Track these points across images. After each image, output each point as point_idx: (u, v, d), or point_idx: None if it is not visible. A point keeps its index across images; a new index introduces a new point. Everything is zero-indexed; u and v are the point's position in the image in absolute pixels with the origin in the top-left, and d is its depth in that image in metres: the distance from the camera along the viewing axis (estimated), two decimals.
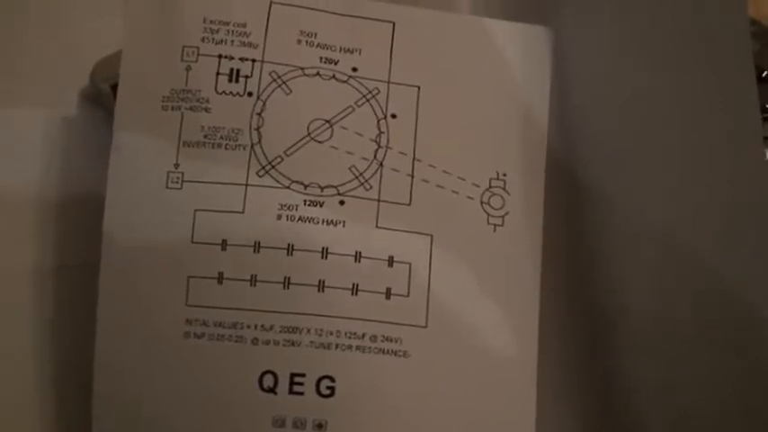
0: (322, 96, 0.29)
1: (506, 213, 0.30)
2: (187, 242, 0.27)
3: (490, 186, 0.30)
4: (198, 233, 0.28)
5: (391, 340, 0.28)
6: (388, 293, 0.28)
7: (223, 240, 0.28)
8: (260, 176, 0.28)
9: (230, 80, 0.29)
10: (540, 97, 0.31)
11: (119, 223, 0.28)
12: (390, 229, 0.28)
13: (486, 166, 0.30)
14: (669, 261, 0.28)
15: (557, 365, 0.30)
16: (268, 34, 0.29)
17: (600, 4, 0.31)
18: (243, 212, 0.28)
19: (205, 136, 0.28)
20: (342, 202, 0.28)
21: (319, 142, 0.29)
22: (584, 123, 0.31)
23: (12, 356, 0.29)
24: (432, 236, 0.29)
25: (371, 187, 0.29)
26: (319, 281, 0.28)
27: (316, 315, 0.27)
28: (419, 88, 0.30)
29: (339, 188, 0.28)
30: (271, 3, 0.29)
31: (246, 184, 0.28)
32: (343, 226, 0.28)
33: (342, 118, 0.29)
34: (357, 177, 0.29)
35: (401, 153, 0.29)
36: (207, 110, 0.28)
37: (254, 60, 0.29)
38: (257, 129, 0.28)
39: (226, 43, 0.29)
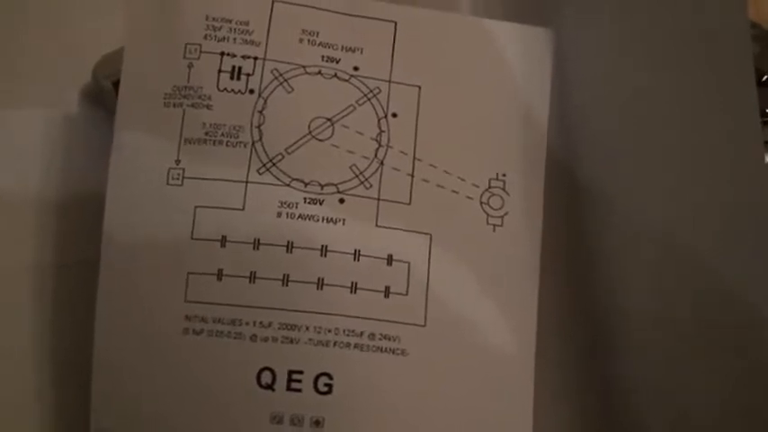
0: (323, 95, 0.29)
1: (506, 214, 0.30)
2: (187, 238, 0.28)
3: (490, 186, 0.30)
4: (198, 230, 0.28)
5: (390, 338, 0.28)
6: (386, 292, 0.28)
7: (223, 237, 0.28)
8: (260, 174, 0.28)
9: (232, 78, 0.29)
10: (541, 98, 0.31)
11: (119, 219, 0.28)
12: (390, 228, 0.29)
13: (486, 167, 0.30)
14: (669, 261, 0.28)
15: (556, 365, 0.30)
16: (270, 32, 0.29)
17: (600, 6, 0.31)
18: (243, 209, 0.28)
19: (206, 133, 0.28)
20: (342, 201, 0.28)
21: (320, 140, 0.29)
22: (584, 124, 0.31)
23: (11, 355, 0.29)
24: (431, 235, 0.29)
25: (371, 186, 0.29)
26: (318, 278, 0.28)
27: (314, 312, 0.27)
28: (420, 88, 0.30)
29: (339, 186, 0.29)
30: (273, 1, 0.30)
31: (247, 182, 0.28)
32: (343, 224, 0.28)
33: (343, 117, 0.29)
34: (357, 176, 0.29)
35: (401, 152, 0.29)
36: (208, 107, 0.28)
37: (255, 58, 0.29)
38: (258, 126, 0.29)
39: (228, 41, 0.29)
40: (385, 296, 0.28)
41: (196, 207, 0.28)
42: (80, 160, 0.31)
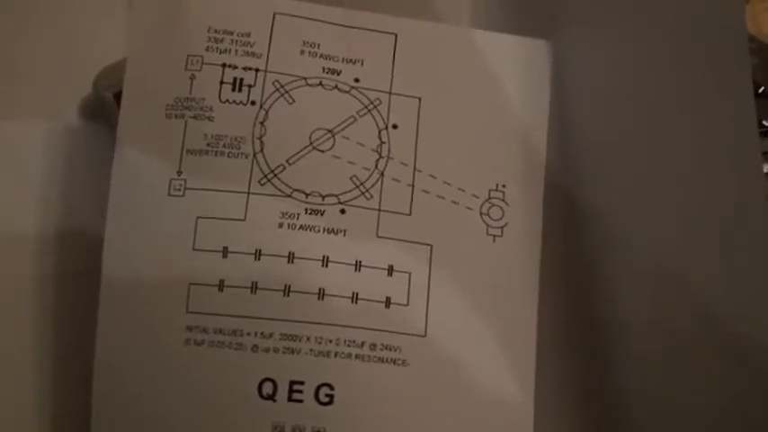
0: (324, 106, 0.29)
1: (505, 224, 0.30)
2: (188, 249, 0.28)
3: (489, 197, 0.30)
4: (199, 241, 0.28)
5: (390, 349, 0.28)
6: (387, 302, 0.28)
7: (224, 248, 0.28)
8: (262, 185, 0.28)
9: (234, 89, 0.29)
10: (540, 110, 0.31)
11: (120, 229, 0.28)
12: (390, 239, 0.29)
13: (486, 178, 0.30)
14: (667, 272, 0.28)
15: (555, 376, 0.30)
16: (272, 44, 0.29)
17: (599, 20, 0.31)
18: (244, 220, 0.28)
19: (208, 144, 0.28)
20: (343, 211, 0.29)
21: (321, 151, 0.29)
22: (582, 136, 0.31)
23: (12, 364, 0.29)
24: (431, 246, 0.29)
25: (372, 197, 0.29)
26: (319, 289, 0.28)
27: (315, 323, 0.27)
28: (420, 99, 0.30)
29: (340, 197, 0.29)
30: (274, 13, 0.30)
31: (248, 192, 0.28)
32: (344, 235, 0.28)
33: (344, 128, 0.29)
34: (358, 187, 0.29)
35: (402, 163, 0.29)
36: (210, 118, 0.29)
37: (257, 70, 0.29)
38: (260, 138, 0.29)
39: (230, 53, 0.29)
40: (386, 306, 0.28)
41: (198, 218, 0.28)
42: (81, 171, 0.31)
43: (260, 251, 0.28)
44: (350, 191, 0.29)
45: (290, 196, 0.28)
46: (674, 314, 0.28)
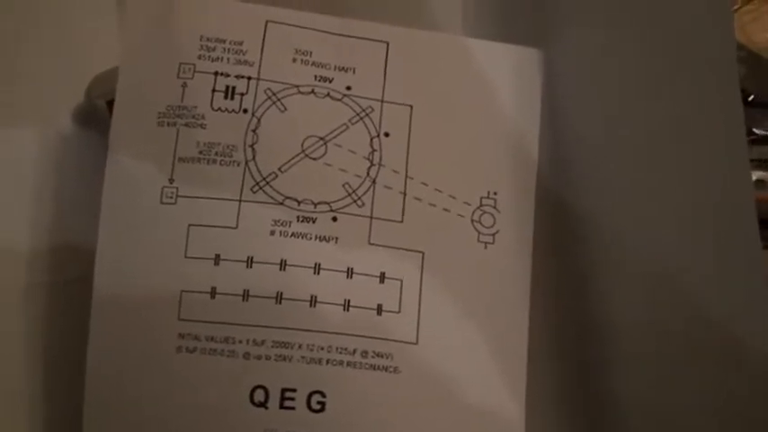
0: (316, 114, 0.29)
1: (497, 231, 0.30)
2: (180, 257, 0.28)
3: (481, 205, 0.30)
4: (191, 248, 0.28)
5: (382, 356, 0.28)
6: (379, 310, 0.28)
7: (216, 255, 0.28)
8: (254, 192, 0.28)
9: (226, 97, 0.29)
10: (531, 117, 0.31)
11: (112, 237, 0.28)
12: (382, 246, 0.29)
13: (478, 185, 0.30)
14: (660, 275, 0.29)
15: (547, 381, 0.30)
16: (264, 52, 0.30)
17: (590, 29, 0.31)
18: (236, 228, 0.28)
19: (200, 152, 0.28)
20: (335, 219, 0.29)
21: (313, 159, 0.29)
22: (574, 144, 0.31)
23: (4, 372, 0.29)
24: (423, 253, 0.29)
25: (364, 204, 0.29)
26: (311, 296, 0.28)
27: (307, 330, 0.27)
28: (412, 107, 0.30)
29: (332, 205, 0.29)
30: (267, 21, 0.30)
31: (240, 200, 0.28)
32: (336, 242, 0.28)
33: (336, 135, 0.29)
34: (350, 194, 0.29)
35: (394, 171, 0.29)
36: (202, 126, 0.29)
37: (249, 78, 0.29)
38: (252, 145, 0.29)
39: (222, 61, 0.29)
40: (377, 314, 0.28)
41: (190, 225, 0.28)
42: (73, 179, 0.31)
43: (252, 259, 0.28)
44: (342, 198, 0.29)
45: (282, 204, 0.28)
46: (667, 317, 0.28)
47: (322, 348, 0.27)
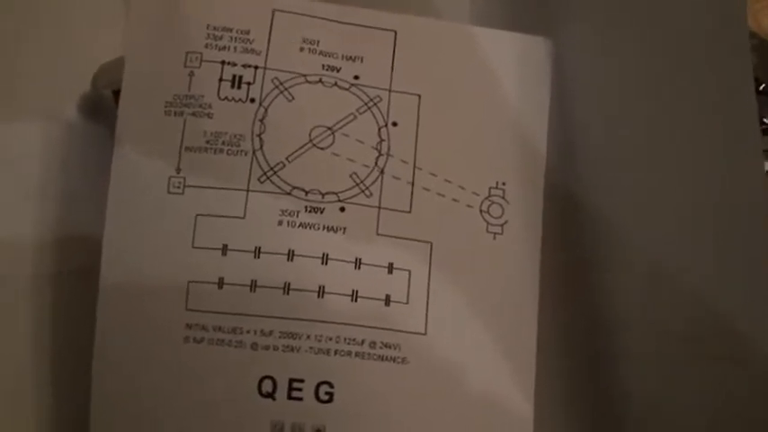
0: (324, 103, 0.29)
1: (505, 222, 0.30)
2: (188, 247, 0.28)
3: (490, 195, 0.30)
4: (199, 238, 0.28)
5: (390, 347, 0.28)
6: (387, 300, 0.28)
7: (224, 245, 0.28)
8: (261, 182, 0.28)
9: (233, 86, 0.29)
10: (540, 107, 0.31)
11: (119, 227, 0.28)
12: (390, 237, 0.29)
13: (486, 175, 0.30)
14: (667, 273, 0.28)
15: (554, 374, 0.30)
16: (271, 41, 0.29)
17: (600, 17, 0.31)
18: (244, 218, 0.28)
19: (207, 141, 0.28)
20: (342, 209, 0.28)
21: (321, 149, 0.29)
22: (582, 135, 0.31)
23: (10, 364, 0.29)
24: (431, 243, 0.29)
25: (372, 194, 0.29)
26: (319, 287, 0.28)
27: (315, 321, 0.27)
28: (420, 97, 0.30)
29: (340, 195, 0.29)
30: (274, 10, 0.30)
31: (248, 190, 0.28)
32: (344, 233, 0.28)
33: (343, 125, 0.29)
34: (358, 184, 0.29)
35: (402, 161, 0.29)
36: (209, 115, 0.28)
37: (256, 67, 0.29)
38: (259, 135, 0.29)
39: (229, 50, 0.29)
40: (385, 304, 0.28)
41: (197, 215, 0.28)
42: (79, 169, 0.31)
43: (259, 249, 0.28)
44: (350, 189, 0.29)
45: (289, 194, 0.28)
46: (672, 315, 0.28)
47: (330, 339, 0.27)
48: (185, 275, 0.27)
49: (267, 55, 0.29)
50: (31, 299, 0.29)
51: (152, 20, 0.29)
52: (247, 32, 0.29)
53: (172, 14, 0.29)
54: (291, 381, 0.27)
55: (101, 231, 0.28)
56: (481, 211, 0.30)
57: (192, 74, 0.29)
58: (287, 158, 0.29)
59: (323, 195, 0.28)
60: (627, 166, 0.30)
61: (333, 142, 0.29)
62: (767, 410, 0.27)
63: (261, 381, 0.27)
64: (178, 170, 0.28)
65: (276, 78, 0.29)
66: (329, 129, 0.29)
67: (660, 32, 0.29)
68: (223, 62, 0.29)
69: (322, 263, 0.28)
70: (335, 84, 0.30)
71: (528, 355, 0.29)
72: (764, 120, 0.34)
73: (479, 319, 0.29)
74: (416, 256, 0.29)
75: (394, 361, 0.28)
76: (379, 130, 0.29)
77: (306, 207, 0.28)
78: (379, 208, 0.29)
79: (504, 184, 0.30)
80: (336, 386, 0.27)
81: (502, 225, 0.30)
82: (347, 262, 0.28)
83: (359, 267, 0.28)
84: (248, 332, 0.27)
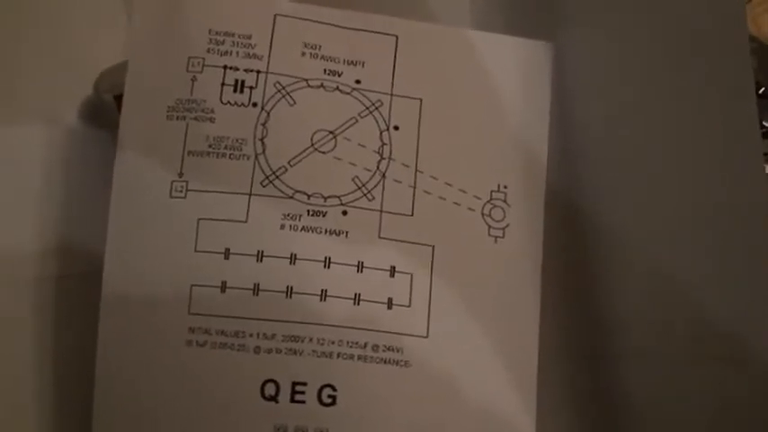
0: (326, 108, 0.29)
1: (507, 225, 0.30)
2: (190, 251, 0.28)
3: (491, 198, 0.30)
4: (201, 242, 0.28)
5: (392, 350, 0.28)
6: (389, 303, 0.28)
7: (226, 249, 0.28)
8: (264, 186, 0.28)
9: (235, 91, 0.29)
10: (541, 111, 0.31)
11: (122, 231, 0.28)
12: (392, 240, 0.29)
13: (488, 179, 0.30)
14: (668, 275, 0.28)
15: (556, 373, 0.30)
16: (273, 46, 0.29)
17: (600, 21, 0.31)
18: (246, 222, 0.28)
19: (210, 146, 0.28)
20: (345, 213, 0.29)
21: (323, 153, 0.29)
22: (583, 138, 0.31)
23: (13, 367, 0.29)
24: (433, 247, 0.29)
25: (374, 198, 0.29)
26: (321, 290, 0.28)
27: (318, 324, 0.27)
28: (421, 101, 0.30)
29: (342, 198, 0.29)
30: (275, 15, 0.30)
31: (250, 194, 0.28)
32: (346, 236, 0.28)
33: (345, 129, 0.29)
34: (360, 188, 0.29)
35: (404, 165, 0.29)
36: (212, 120, 0.29)
37: (258, 71, 0.29)
38: (261, 139, 0.29)
39: (231, 54, 0.29)
40: (388, 308, 0.28)
41: (199, 220, 0.28)
42: (81, 173, 0.31)
43: (262, 253, 0.28)
44: (352, 192, 0.29)
45: (291, 198, 0.28)
46: (673, 316, 0.28)
47: (332, 342, 0.27)
48: (188, 279, 0.27)
49: (269, 59, 0.29)
50: (34, 302, 0.29)
51: (154, 24, 0.29)
52: (249, 37, 0.29)
53: (174, 19, 0.29)
54: (294, 384, 0.27)
55: (103, 235, 0.28)
56: (483, 214, 0.30)
57: (194, 78, 0.29)
58: (289, 162, 0.29)
59: (325, 199, 0.29)
60: (627, 169, 0.30)
61: (335, 146, 0.29)
62: (767, 411, 0.27)
63: (264, 384, 0.27)
64: (180, 174, 0.28)
65: (278, 83, 0.29)
66: (331, 133, 0.29)
67: (660, 37, 0.29)
68: (225, 67, 0.29)
69: (324, 266, 0.28)
70: (337, 88, 0.30)
71: (530, 356, 0.29)
72: (764, 123, 0.34)
73: (481, 322, 0.29)
74: (418, 260, 0.29)
75: (396, 364, 0.28)
76: (381, 133, 0.30)
77: (308, 211, 0.28)
78: (381, 212, 0.29)
79: (505, 187, 0.30)
80: (339, 389, 0.27)
81: (503, 228, 0.30)
82: (349, 265, 0.28)
83: (361, 271, 0.28)
84: (251, 336, 0.27)
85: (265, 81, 0.29)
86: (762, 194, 0.27)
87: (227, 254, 0.28)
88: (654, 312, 0.29)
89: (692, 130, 0.29)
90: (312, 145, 0.29)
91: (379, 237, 0.29)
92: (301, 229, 0.28)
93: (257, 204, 0.28)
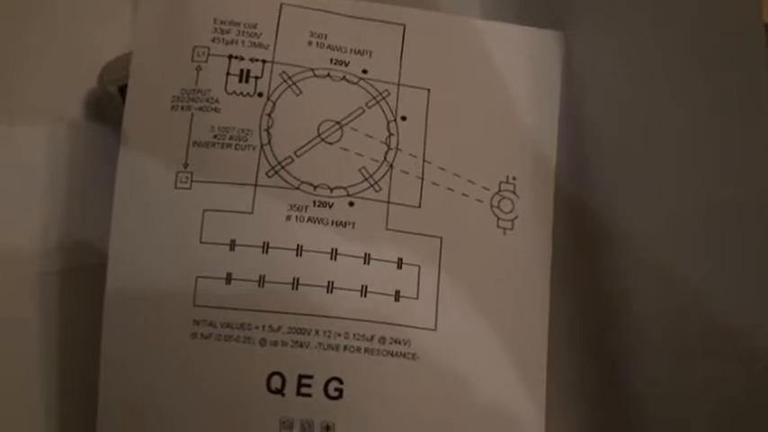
0: (332, 98, 0.29)
1: (516, 217, 0.30)
2: (195, 242, 0.27)
3: (500, 190, 0.30)
4: (206, 233, 0.27)
5: (400, 342, 0.28)
6: (396, 295, 0.28)
7: (232, 241, 0.27)
8: (269, 177, 0.28)
9: (240, 80, 0.29)
10: (551, 101, 0.31)
11: (126, 223, 0.27)
12: (400, 231, 0.28)
13: (496, 170, 0.30)
14: (678, 272, 0.28)
15: (565, 367, 0.30)
16: (279, 35, 0.29)
17: (612, 13, 0.31)
18: (252, 213, 0.28)
19: (215, 136, 0.28)
20: (351, 204, 0.28)
21: (329, 143, 0.29)
22: (593, 132, 0.31)
23: (18, 361, 0.29)
24: (441, 238, 0.29)
25: (381, 189, 0.29)
26: (328, 282, 0.27)
27: (324, 316, 0.27)
28: (429, 91, 0.30)
29: (349, 189, 0.28)
30: (281, 4, 0.30)
31: (256, 185, 0.28)
32: (353, 227, 0.28)
33: (352, 119, 0.29)
34: (367, 179, 0.29)
35: (411, 155, 0.29)
36: (217, 110, 0.28)
37: (264, 61, 0.29)
38: (267, 129, 0.28)
39: (236, 44, 0.29)
40: (395, 300, 0.28)
41: (204, 211, 0.28)
42: (85, 165, 0.31)
43: (268, 244, 0.27)
44: (358, 183, 0.29)
45: (297, 189, 0.28)
46: (682, 312, 0.28)
47: (339, 335, 0.27)
48: (193, 271, 0.27)
49: (275, 49, 0.29)
50: (39, 296, 0.29)
51: (159, 15, 0.29)
52: (255, 26, 0.29)
53: (179, 9, 0.29)
54: (300, 377, 0.27)
55: (108, 227, 0.27)
56: (491, 205, 0.29)
57: (199, 68, 0.29)
58: (295, 153, 0.28)
59: (331, 190, 0.28)
60: (638, 163, 0.30)
61: (341, 137, 0.29)
62: None
63: (270, 377, 0.27)
64: (185, 165, 0.28)
65: (284, 72, 0.29)
66: (337, 123, 0.29)
67: (673, 28, 0.29)
68: (230, 56, 0.29)
69: (331, 258, 0.28)
70: (344, 78, 0.29)
71: (539, 349, 0.29)
72: None
73: (489, 315, 0.29)
74: (426, 252, 0.28)
75: (404, 357, 0.27)
76: (388, 124, 0.29)
77: (314, 202, 0.28)
78: (389, 203, 0.29)
79: (514, 178, 0.30)
80: (346, 382, 0.27)
81: (512, 220, 0.29)
82: (356, 257, 0.28)
83: (368, 262, 0.28)
84: (257, 328, 0.27)
85: (271, 71, 0.29)
86: None
87: (232, 245, 0.27)
88: (663, 308, 0.29)
89: (704, 124, 0.28)
90: (318, 135, 0.29)
91: (387, 228, 0.28)
92: (307, 221, 0.28)
93: (263, 195, 0.28)
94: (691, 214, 0.28)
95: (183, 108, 0.28)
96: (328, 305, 0.27)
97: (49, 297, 0.29)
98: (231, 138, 0.28)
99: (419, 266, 0.28)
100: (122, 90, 0.29)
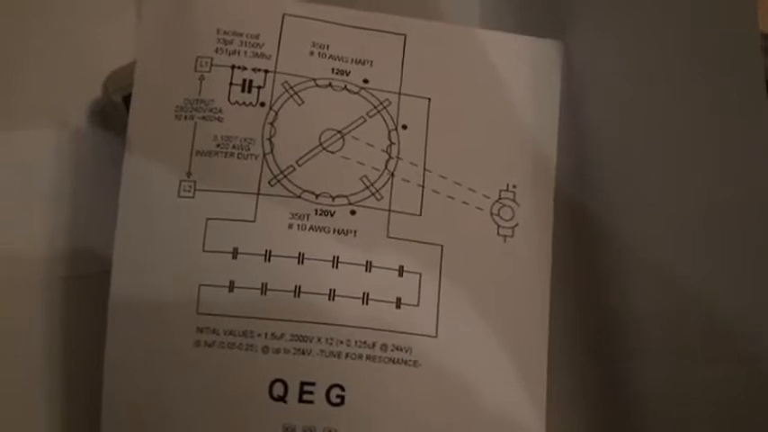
0: (334, 107, 0.29)
1: (516, 225, 0.30)
2: (198, 251, 0.28)
3: (500, 198, 0.30)
4: (209, 242, 0.28)
5: (401, 350, 0.28)
6: (398, 303, 0.28)
7: (234, 249, 0.28)
8: (272, 186, 0.28)
9: (243, 90, 0.29)
10: (550, 110, 0.31)
11: (130, 231, 0.28)
12: (401, 239, 0.29)
13: (497, 178, 0.30)
14: (676, 272, 0.28)
15: (565, 369, 0.30)
16: (281, 45, 0.29)
17: (610, 21, 0.31)
18: (254, 221, 0.28)
19: (218, 145, 0.28)
20: (353, 212, 0.28)
21: (331, 152, 0.29)
22: (593, 138, 0.31)
23: (22, 367, 0.29)
24: (442, 246, 0.29)
25: (382, 197, 0.29)
26: (330, 290, 0.28)
27: (326, 324, 0.27)
28: (430, 100, 0.30)
29: (350, 198, 0.29)
30: (284, 14, 0.30)
31: (258, 194, 0.28)
32: (354, 235, 0.28)
33: (353, 129, 0.29)
34: (368, 187, 0.29)
35: (412, 164, 0.29)
36: (220, 119, 0.29)
37: (266, 71, 0.29)
38: (269, 138, 0.29)
39: (239, 54, 0.29)
40: (396, 307, 0.28)
41: (207, 219, 0.28)
42: (89, 174, 0.31)
43: (270, 252, 0.28)
44: (360, 191, 0.29)
45: (299, 197, 0.28)
46: (683, 314, 0.28)
47: (341, 342, 0.27)
48: (196, 279, 0.27)
49: (277, 59, 0.29)
50: (43, 303, 0.30)
51: (163, 24, 0.29)
52: (257, 36, 0.29)
53: (182, 19, 0.29)
54: (303, 384, 0.27)
55: (111, 235, 0.28)
56: (492, 213, 0.30)
57: (202, 78, 0.29)
58: (297, 162, 0.29)
59: (333, 198, 0.28)
60: (638, 163, 0.30)
61: (343, 146, 0.29)
62: None
63: (272, 384, 0.27)
64: (189, 174, 0.28)
65: (286, 82, 0.29)
66: (339, 132, 0.29)
67: (672, 29, 0.29)
68: (233, 66, 0.29)
69: (332, 266, 0.28)
70: (345, 87, 0.30)
71: (539, 356, 0.29)
72: None
73: (490, 322, 0.29)
74: (427, 259, 0.29)
75: (405, 364, 0.28)
76: (389, 133, 0.30)
77: (316, 210, 0.28)
78: (390, 211, 0.29)
79: (514, 186, 0.30)
80: (348, 389, 0.27)
81: (513, 228, 0.30)
82: (357, 265, 0.28)
83: (369, 270, 0.28)
84: (259, 335, 0.27)
85: (273, 80, 0.29)
86: None
87: (235, 253, 0.28)
88: (663, 309, 0.29)
89: (703, 129, 0.28)
90: (320, 144, 0.29)
91: (388, 236, 0.29)
92: (309, 229, 0.28)
93: (265, 204, 0.28)
94: (691, 214, 0.28)
95: (186, 117, 0.29)
96: (330, 313, 0.27)
97: (53, 304, 0.30)
98: (234, 147, 0.28)
99: (420, 274, 0.28)
100: (126, 99, 0.29)
